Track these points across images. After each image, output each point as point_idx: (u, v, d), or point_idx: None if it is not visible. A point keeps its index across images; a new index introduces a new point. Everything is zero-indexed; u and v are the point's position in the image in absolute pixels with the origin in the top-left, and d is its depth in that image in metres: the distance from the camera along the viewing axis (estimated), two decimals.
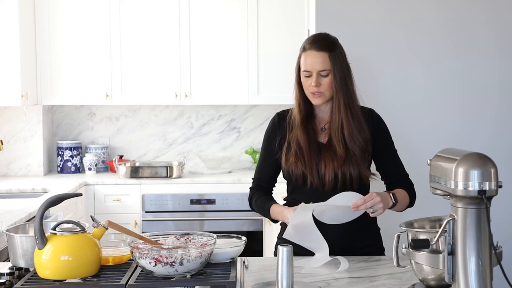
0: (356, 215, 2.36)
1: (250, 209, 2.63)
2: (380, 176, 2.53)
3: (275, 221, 2.53)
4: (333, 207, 2.32)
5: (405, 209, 2.48)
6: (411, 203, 2.49)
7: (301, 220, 2.30)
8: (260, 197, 2.54)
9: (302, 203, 2.34)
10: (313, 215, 2.31)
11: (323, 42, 2.42)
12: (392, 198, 2.36)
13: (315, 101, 2.44)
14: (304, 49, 2.44)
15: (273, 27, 4.90)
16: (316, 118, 2.51)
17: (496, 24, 3.73)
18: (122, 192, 4.73)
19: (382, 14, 3.72)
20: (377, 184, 2.52)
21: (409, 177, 2.53)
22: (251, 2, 4.88)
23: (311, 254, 2.36)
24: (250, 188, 2.61)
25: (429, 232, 1.88)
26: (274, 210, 2.46)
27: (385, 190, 2.49)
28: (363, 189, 2.46)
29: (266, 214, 2.51)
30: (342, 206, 2.31)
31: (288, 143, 2.48)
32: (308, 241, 2.32)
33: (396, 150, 2.55)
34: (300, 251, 2.33)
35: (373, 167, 2.52)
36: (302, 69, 2.43)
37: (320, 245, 2.30)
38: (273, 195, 2.59)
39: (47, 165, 5.14)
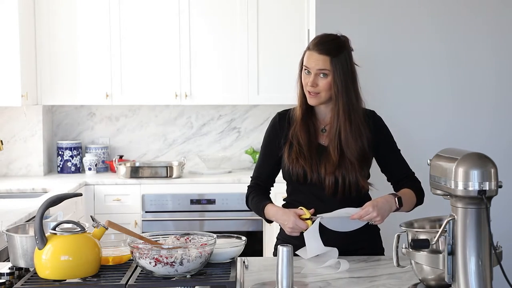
0: (360, 225, 2.37)
1: (247, 207, 2.63)
2: (379, 184, 2.52)
3: (269, 221, 2.53)
4: (335, 219, 2.33)
5: (413, 208, 2.47)
6: (419, 201, 2.48)
7: (312, 235, 2.31)
8: (256, 196, 2.54)
9: (302, 208, 2.35)
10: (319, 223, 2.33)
11: (327, 46, 2.39)
12: (397, 203, 2.35)
13: (310, 100, 2.43)
14: (308, 48, 2.44)
15: (273, 27, 4.90)
16: (316, 118, 2.51)
17: (498, 24, 3.72)
18: (122, 192, 4.73)
19: (382, 14, 3.71)
20: (376, 191, 2.52)
21: (415, 175, 2.53)
22: (251, 2, 4.88)
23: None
24: (248, 186, 2.61)
25: (429, 232, 1.88)
26: (268, 210, 2.46)
27: (392, 191, 2.48)
28: (363, 195, 2.46)
29: (261, 213, 2.50)
30: (343, 218, 2.32)
31: (289, 141, 2.47)
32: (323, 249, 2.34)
33: (399, 150, 2.55)
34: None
35: (375, 171, 2.53)
36: (303, 63, 2.43)
37: (331, 249, 2.32)
38: (271, 195, 2.59)
39: (47, 165, 5.14)
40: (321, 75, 2.39)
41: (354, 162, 2.40)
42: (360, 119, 2.44)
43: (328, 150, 2.44)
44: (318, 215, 2.33)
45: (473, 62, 3.73)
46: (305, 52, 2.45)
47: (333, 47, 2.39)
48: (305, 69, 2.42)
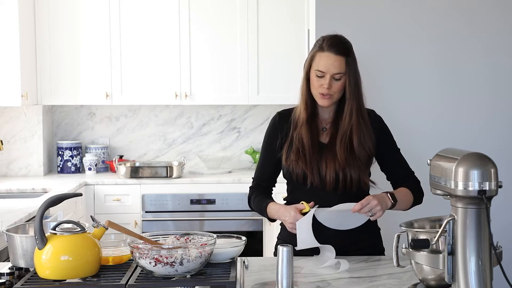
0: (359, 222, 2.36)
1: (250, 209, 2.63)
2: (379, 183, 2.53)
3: (272, 220, 2.53)
4: (335, 213, 2.33)
5: (411, 207, 2.48)
6: (417, 201, 2.48)
7: (304, 226, 2.31)
8: (258, 196, 2.54)
9: (303, 203, 2.35)
10: (317, 220, 2.32)
11: (342, 46, 2.39)
12: (390, 198, 2.36)
13: (323, 102, 2.43)
14: (321, 49, 2.40)
15: (273, 27, 4.90)
16: (318, 117, 2.51)
17: (495, 25, 3.73)
18: (122, 192, 4.73)
19: (383, 14, 3.72)
20: (379, 190, 2.52)
21: (415, 174, 2.53)
22: (251, 2, 4.88)
23: (311, 254, 2.36)
24: (250, 187, 2.61)
25: (429, 232, 1.88)
26: (271, 208, 2.46)
27: (391, 189, 2.49)
28: (364, 192, 2.46)
29: (263, 212, 2.51)
30: (343, 211, 2.32)
31: (290, 141, 2.47)
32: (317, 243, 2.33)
33: (398, 149, 2.56)
34: (300, 251, 2.33)
35: (375, 173, 2.53)
36: (314, 68, 2.41)
37: (327, 247, 2.31)
38: (273, 195, 2.59)
39: (47, 165, 5.14)
40: (336, 77, 2.39)
41: (362, 159, 2.41)
42: (367, 117, 2.45)
43: (328, 147, 2.44)
44: (315, 207, 2.33)
45: (473, 62, 3.74)
46: (314, 54, 2.42)
47: (346, 47, 2.41)
48: (318, 72, 2.39)
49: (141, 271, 1.98)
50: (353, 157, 2.41)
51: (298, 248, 2.31)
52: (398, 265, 1.95)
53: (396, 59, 3.73)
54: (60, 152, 5.11)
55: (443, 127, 3.75)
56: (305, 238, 2.29)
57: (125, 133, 5.32)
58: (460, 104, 3.75)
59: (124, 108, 5.28)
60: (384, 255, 2.51)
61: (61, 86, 4.91)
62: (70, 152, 5.10)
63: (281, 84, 4.85)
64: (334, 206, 2.34)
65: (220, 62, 4.93)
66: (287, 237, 2.46)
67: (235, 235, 2.24)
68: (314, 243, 2.30)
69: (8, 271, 2.01)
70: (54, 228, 1.98)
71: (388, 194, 2.37)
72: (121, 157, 5.17)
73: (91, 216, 2.12)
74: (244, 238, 2.20)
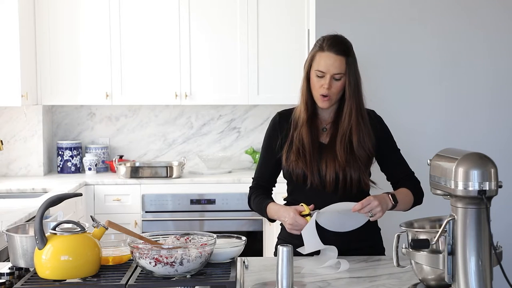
0: (359, 224, 2.36)
1: (250, 209, 2.63)
2: (379, 183, 2.53)
3: (272, 220, 2.53)
4: (335, 214, 2.33)
5: (411, 207, 2.47)
6: (417, 201, 2.48)
7: (309, 231, 2.31)
8: (258, 196, 2.54)
9: (303, 205, 2.35)
10: (317, 223, 2.32)
11: (342, 46, 2.40)
12: (391, 199, 2.36)
13: (322, 104, 2.43)
14: (321, 49, 2.40)
15: (273, 27, 4.90)
16: (318, 118, 2.51)
17: (495, 24, 3.72)
18: (122, 192, 4.73)
19: (383, 14, 3.72)
20: (381, 190, 2.52)
21: (415, 174, 2.53)
22: (251, 2, 4.88)
23: (311, 254, 2.36)
24: (250, 187, 2.61)
25: (429, 232, 1.88)
26: (270, 208, 2.46)
27: (391, 190, 2.49)
28: (363, 193, 2.46)
29: (263, 213, 2.51)
30: (343, 212, 2.32)
31: (290, 141, 2.47)
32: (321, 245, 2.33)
33: (398, 149, 2.56)
34: (300, 251, 2.33)
35: (375, 173, 2.53)
36: (315, 68, 2.41)
37: (330, 247, 2.31)
38: (273, 195, 2.59)
39: (47, 165, 5.14)
40: (336, 77, 2.39)
41: (362, 160, 2.41)
42: (367, 117, 2.45)
43: (328, 147, 2.44)
44: (316, 210, 2.33)
45: (473, 62, 3.73)
46: (314, 54, 2.43)
47: (346, 47, 2.41)
48: (318, 72, 2.40)
49: (141, 271, 1.98)
50: (353, 157, 2.41)
51: (305, 252, 2.32)
52: (398, 265, 1.95)
53: (396, 59, 3.73)
54: (60, 152, 5.11)
55: (443, 127, 3.75)
56: (311, 242, 2.30)
57: (125, 133, 5.32)
58: (461, 104, 3.75)
59: (124, 108, 5.28)
60: (384, 255, 2.51)
61: (61, 86, 4.91)
62: (70, 152, 5.10)
63: (281, 84, 4.85)
64: (334, 204, 2.33)
65: (220, 62, 4.93)
66: (287, 237, 2.46)
67: (235, 235, 2.24)
68: (320, 246, 2.31)
69: (8, 271, 2.01)
70: (54, 228, 1.98)
71: (389, 195, 2.36)
72: (121, 157, 5.17)
73: (91, 216, 2.12)
74: (244, 238, 2.20)
